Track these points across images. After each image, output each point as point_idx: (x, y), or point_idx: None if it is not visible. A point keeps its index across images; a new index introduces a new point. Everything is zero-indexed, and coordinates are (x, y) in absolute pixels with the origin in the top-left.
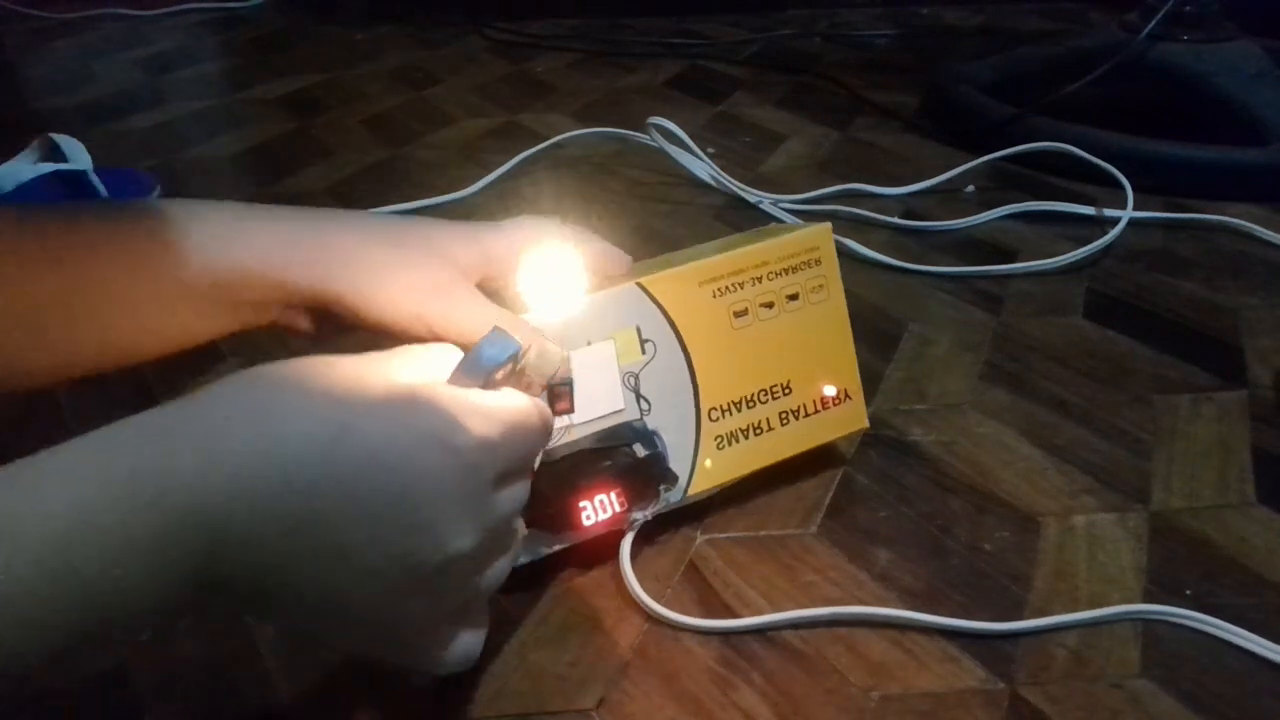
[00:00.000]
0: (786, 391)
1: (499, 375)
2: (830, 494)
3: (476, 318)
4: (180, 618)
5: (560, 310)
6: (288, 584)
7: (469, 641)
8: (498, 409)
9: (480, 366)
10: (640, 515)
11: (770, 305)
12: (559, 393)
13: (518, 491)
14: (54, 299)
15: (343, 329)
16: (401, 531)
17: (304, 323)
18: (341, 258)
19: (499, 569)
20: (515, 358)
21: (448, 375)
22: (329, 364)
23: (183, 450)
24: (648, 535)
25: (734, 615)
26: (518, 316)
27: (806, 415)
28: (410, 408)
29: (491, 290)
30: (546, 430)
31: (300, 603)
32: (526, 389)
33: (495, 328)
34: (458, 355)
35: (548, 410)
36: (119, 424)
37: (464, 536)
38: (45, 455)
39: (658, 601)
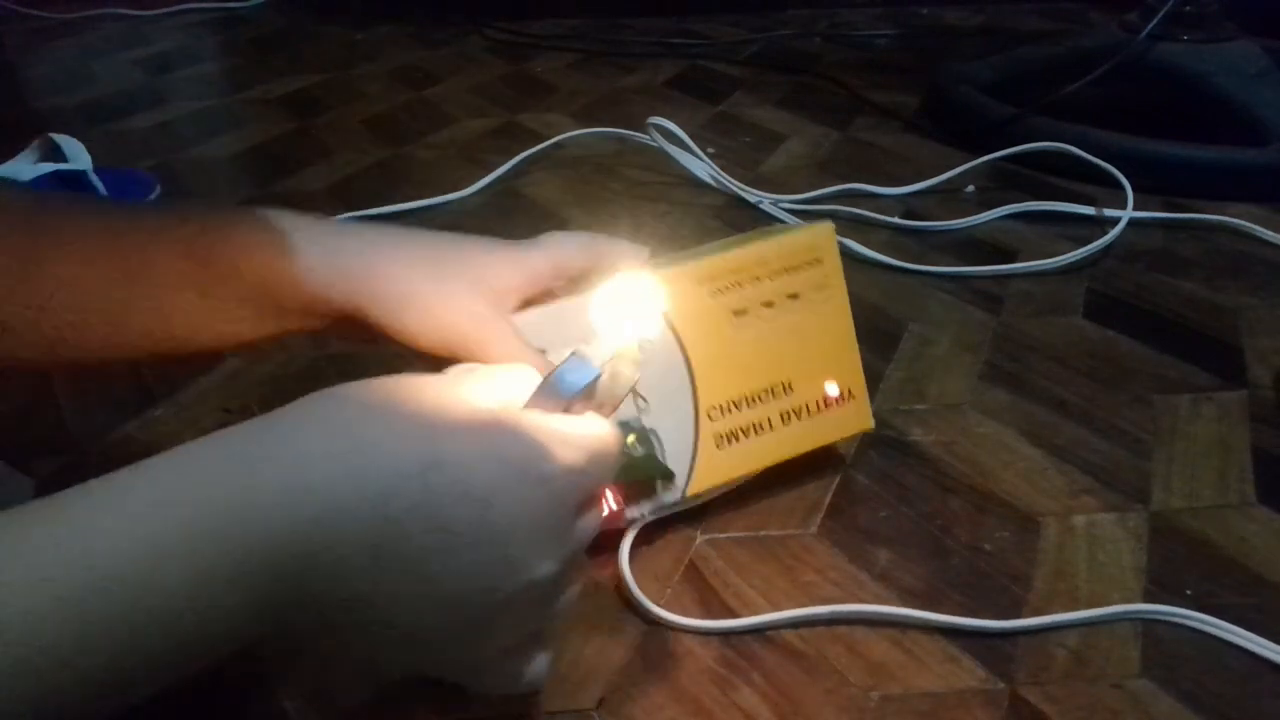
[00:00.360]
0: (788, 391)
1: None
2: (830, 494)
3: (506, 358)
4: (249, 649)
5: (636, 337)
6: (369, 612)
7: (540, 664)
8: (583, 436)
9: (560, 392)
10: (638, 514)
11: (771, 304)
12: None
13: (595, 518)
14: (120, 284)
15: (377, 341)
16: (488, 561)
17: (344, 333)
18: (382, 282)
19: (573, 593)
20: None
21: (525, 398)
22: (415, 386)
23: (270, 480)
24: (647, 535)
25: (734, 615)
26: (543, 362)
27: (809, 415)
28: (498, 435)
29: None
30: (621, 455)
31: (380, 632)
32: (597, 409)
33: (575, 352)
34: (533, 375)
35: (621, 434)
36: (199, 445)
37: (546, 565)
38: (124, 475)
39: (657, 602)
